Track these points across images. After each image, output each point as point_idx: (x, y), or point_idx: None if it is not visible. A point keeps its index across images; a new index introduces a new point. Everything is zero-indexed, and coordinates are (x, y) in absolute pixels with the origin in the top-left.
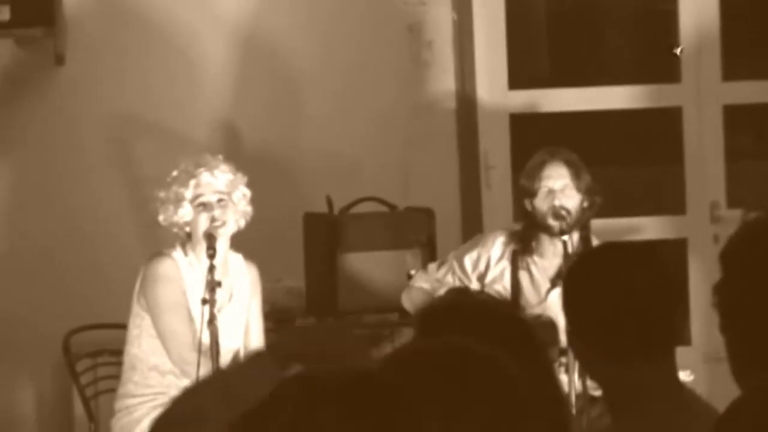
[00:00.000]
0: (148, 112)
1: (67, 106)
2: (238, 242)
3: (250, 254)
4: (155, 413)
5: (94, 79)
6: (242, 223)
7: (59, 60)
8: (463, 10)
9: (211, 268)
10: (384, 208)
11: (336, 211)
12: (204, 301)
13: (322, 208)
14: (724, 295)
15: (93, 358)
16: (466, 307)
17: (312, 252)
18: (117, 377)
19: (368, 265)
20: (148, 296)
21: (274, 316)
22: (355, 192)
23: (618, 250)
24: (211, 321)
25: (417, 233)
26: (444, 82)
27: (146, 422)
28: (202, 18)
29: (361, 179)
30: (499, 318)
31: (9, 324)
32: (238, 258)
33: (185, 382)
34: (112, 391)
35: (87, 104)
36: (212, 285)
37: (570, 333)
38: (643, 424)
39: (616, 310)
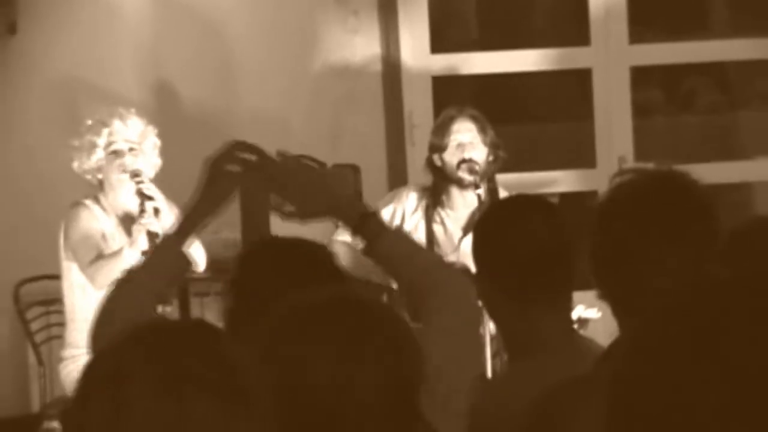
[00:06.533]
0: (95, 76)
1: (19, 74)
2: (175, 197)
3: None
4: None
5: (45, 46)
6: (152, 174)
7: (11, 29)
8: None
9: (142, 211)
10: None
11: None
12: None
13: None
14: (599, 256)
15: (45, 306)
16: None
17: (247, 207)
18: None
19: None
20: (70, 238)
21: (213, 266)
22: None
23: (522, 201)
24: None
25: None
26: (370, 47)
27: None
28: None
29: (292, 138)
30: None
31: None
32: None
33: None
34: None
35: (38, 70)
36: (151, 236)
37: (477, 275)
38: (537, 365)
39: (520, 252)
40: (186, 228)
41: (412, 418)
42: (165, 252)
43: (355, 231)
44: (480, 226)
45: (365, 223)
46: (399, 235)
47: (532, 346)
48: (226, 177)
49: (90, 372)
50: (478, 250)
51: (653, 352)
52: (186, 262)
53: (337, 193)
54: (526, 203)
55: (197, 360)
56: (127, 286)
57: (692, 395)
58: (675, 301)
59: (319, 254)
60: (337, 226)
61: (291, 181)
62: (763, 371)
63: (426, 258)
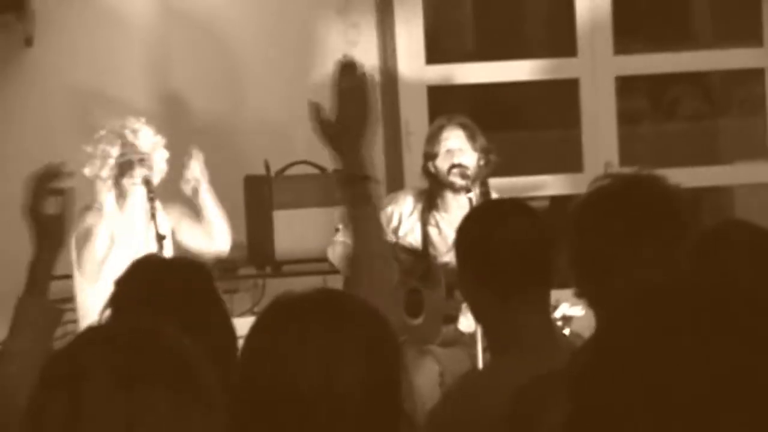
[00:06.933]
0: (108, 87)
1: (35, 84)
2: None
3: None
4: None
5: (60, 58)
6: (158, 180)
7: (28, 42)
8: None
9: (153, 216)
10: (315, 171)
11: (273, 173)
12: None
13: (261, 170)
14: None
15: (61, 304)
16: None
17: (252, 209)
18: None
19: (301, 221)
20: (77, 240)
21: (219, 266)
22: (289, 156)
23: (503, 203)
24: None
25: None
26: (368, 58)
27: None
28: (154, 1)
29: (295, 145)
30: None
31: None
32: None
33: None
34: None
35: (53, 81)
36: (160, 238)
37: (460, 273)
38: (516, 361)
39: (500, 252)
40: (37, 282)
41: (394, 413)
42: (28, 315)
43: (341, 183)
44: (463, 226)
45: (352, 184)
46: (369, 215)
47: (512, 342)
48: (50, 218)
49: (46, 373)
50: (461, 250)
51: (614, 350)
52: (57, 312)
53: (358, 142)
54: (506, 206)
55: (151, 356)
56: (2, 363)
57: (653, 393)
58: (637, 300)
59: (195, 275)
60: (337, 230)
61: (345, 99)
62: (721, 370)
63: (368, 248)
